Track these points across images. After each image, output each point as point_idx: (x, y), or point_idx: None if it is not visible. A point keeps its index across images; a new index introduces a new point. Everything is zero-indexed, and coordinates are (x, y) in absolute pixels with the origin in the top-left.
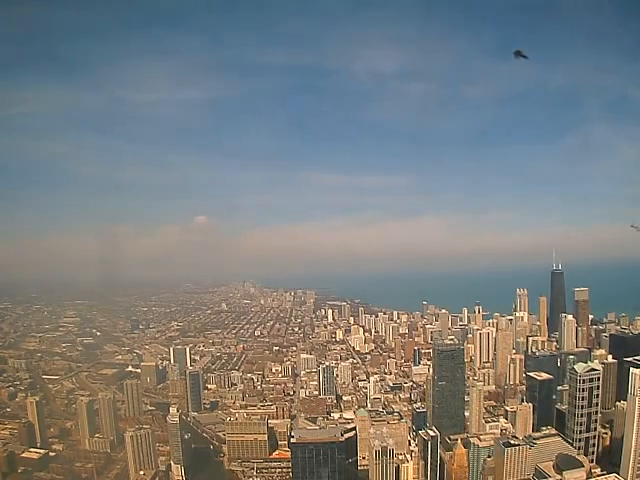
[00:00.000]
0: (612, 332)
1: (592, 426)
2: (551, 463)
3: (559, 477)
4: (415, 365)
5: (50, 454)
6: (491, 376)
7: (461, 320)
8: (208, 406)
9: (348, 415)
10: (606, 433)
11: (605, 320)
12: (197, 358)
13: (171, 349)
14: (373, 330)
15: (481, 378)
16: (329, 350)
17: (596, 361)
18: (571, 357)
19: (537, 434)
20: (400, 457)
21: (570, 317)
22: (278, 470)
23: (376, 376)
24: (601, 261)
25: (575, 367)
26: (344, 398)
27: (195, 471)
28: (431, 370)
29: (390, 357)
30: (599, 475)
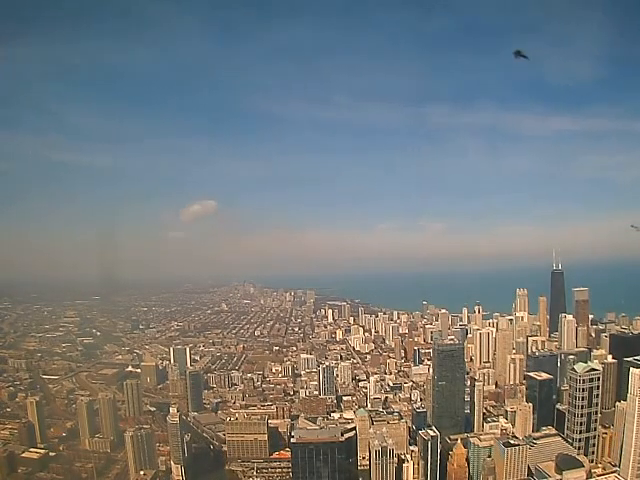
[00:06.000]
0: (612, 332)
1: (592, 426)
2: (551, 463)
3: (559, 477)
4: (415, 365)
5: (50, 454)
6: (491, 376)
7: (461, 320)
8: (208, 406)
9: (348, 415)
10: (606, 433)
11: (605, 320)
12: (197, 358)
13: (171, 349)
14: (373, 330)
15: (481, 378)
16: (329, 350)
17: (596, 361)
18: (571, 357)
19: (537, 434)
20: (400, 457)
21: (570, 317)
22: (278, 470)
23: (376, 376)
24: (601, 261)
25: (575, 367)
26: (344, 398)
27: (195, 471)
28: (431, 370)
29: (390, 357)
30: (599, 475)
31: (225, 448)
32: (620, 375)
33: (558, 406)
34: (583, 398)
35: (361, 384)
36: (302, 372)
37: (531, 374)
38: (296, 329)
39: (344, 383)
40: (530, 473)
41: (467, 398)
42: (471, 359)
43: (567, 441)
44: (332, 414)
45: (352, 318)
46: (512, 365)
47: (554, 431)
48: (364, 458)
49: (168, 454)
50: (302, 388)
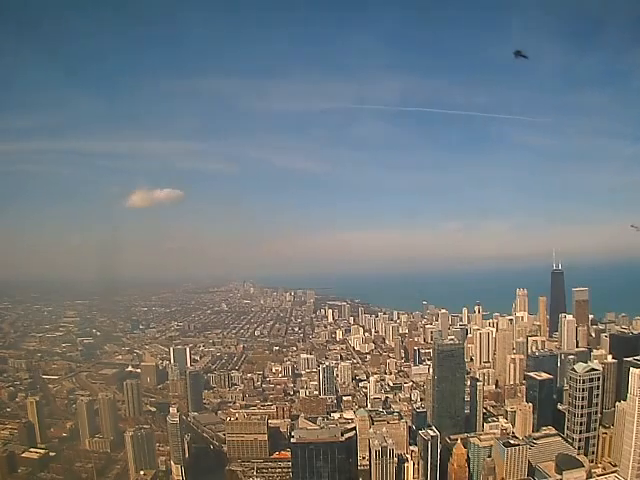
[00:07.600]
0: (612, 332)
1: (592, 426)
2: (551, 463)
3: (559, 477)
4: (415, 365)
5: (50, 454)
6: (491, 376)
7: (461, 320)
8: (208, 406)
9: (348, 415)
10: (606, 433)
11: (605, 320)
12: (197, 358)
13: (171, 349)
14: (373, 330)
15: (481, 378)
16: (329, 350)
17: (596, 361)
18: (571, 357)
19: (537, 434)
20: (400, 457)
21: (570, 317)
22: (278, 470)
23: (376, 376)
24: (601, 261)
25: (575, 367)
26: (344, 398)
27: (195, 471)
28: (431, 370)
29: (390, 357)
30: (599, 475)
31: (225, 448)
32: (620, 375)
33: (558, 406)
34: (583, 398)
35: (361, 384)
36: (302, 372)
37: (531, 374)
38: (296, 329)
39: (344, 383)
40: (530, 473)
41: (467, 398)
42: (471, 359)
43: (567, 441)
44: (332, 414)
45: (352, 318)
46: (512, 365)
47: (554, 431)
48: (364, 458)
49: (168, 454)
50: (302, 388)
